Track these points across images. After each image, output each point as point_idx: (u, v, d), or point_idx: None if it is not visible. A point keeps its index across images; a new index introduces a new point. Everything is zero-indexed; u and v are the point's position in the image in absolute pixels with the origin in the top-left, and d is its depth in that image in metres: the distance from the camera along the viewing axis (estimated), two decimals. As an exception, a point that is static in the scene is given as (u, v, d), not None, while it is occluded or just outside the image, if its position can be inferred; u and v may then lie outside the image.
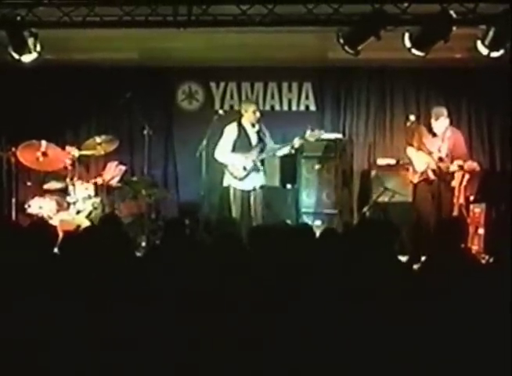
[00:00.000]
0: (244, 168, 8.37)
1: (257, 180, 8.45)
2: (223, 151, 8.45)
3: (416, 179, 8.27)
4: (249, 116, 8.43)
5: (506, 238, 4.55)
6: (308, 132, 8.25)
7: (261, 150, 8.43)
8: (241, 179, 8.41)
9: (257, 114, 8.45)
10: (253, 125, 8.46)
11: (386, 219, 8.24)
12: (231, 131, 8.47)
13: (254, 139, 8.47)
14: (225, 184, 8.53)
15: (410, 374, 3.59)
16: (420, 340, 3.62)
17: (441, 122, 8.20)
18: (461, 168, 8.11)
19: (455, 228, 4.93)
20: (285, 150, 8.44)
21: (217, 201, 9.30)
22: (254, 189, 8.42)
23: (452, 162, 8.09)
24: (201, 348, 3.63)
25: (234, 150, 8.44)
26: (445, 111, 8.26)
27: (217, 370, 3.60)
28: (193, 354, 3.62)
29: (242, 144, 8.43)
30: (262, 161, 8.50)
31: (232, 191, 8.46)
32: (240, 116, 8.51)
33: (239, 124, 8.48)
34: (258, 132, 8.47)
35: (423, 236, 7.67)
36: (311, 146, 8.77)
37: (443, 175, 8.13)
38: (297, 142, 8.32)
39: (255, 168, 8.41)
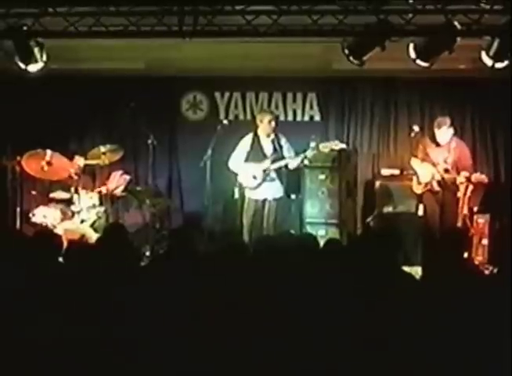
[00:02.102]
0: (254, 177, 8.38)
1: (271, 191, 8.47)
2: (236, 160, 8.54)
3: (420, 190, 8.29)
4: (264, 126, 8.49)
5: (509, 249, 4.55)
6: (322, 143, 8.32)
7: (274, 161, 8.43)
8: (253, 189, 8.44)
9: (273, 124, 8.48)
10: (268, 135, 8.49)
11: (390, 230, 8.22)
12: (246, 141, 8.56)
13: (268, 150, 8.51)
14: (238, 194, 8.54)
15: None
16: (422, 349, 3.62)
17: (444, 131, 8.22)
18: (468, 179, 8.10)
19: (458, 238, 4.94)
20: (298, 161, 8.44)
21: (221, 211, 9.32)
22: (269, 200, 8.44)
23: (458, 173, 8.10)
24: (204, 357, 3.63)
25: (247, 160, 8.49)
26: (448, 120, 8.28)
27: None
28: (197, 363, 3.63)
29: (255, 154, 8.50)
30: (278, 172, 8.47)
31: (246, 201, 8.50)
32: (256, 126, 8.57)
33: (255, 134, 8.53)
34: (273, 142, 8.48)
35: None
36: (315, 156, 8.78)
37: (448, 186, 8.13)
38: (310, 153, 8.34)
39: (268, 178, 8.42)
